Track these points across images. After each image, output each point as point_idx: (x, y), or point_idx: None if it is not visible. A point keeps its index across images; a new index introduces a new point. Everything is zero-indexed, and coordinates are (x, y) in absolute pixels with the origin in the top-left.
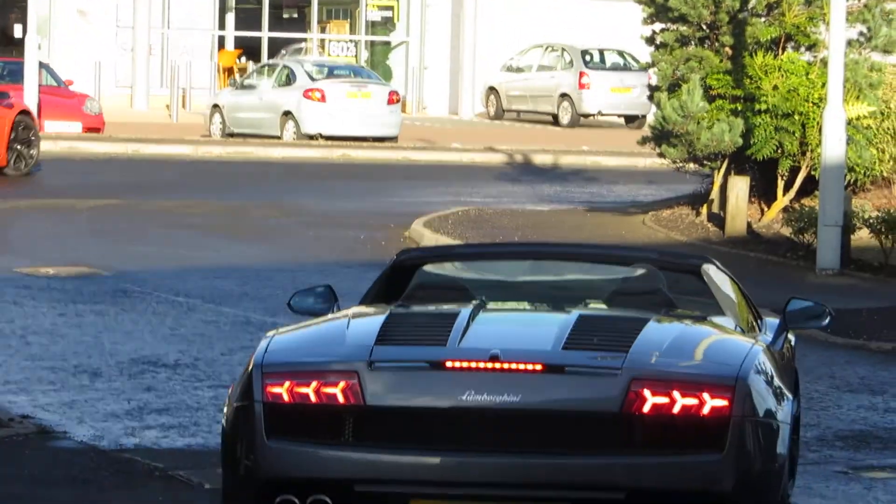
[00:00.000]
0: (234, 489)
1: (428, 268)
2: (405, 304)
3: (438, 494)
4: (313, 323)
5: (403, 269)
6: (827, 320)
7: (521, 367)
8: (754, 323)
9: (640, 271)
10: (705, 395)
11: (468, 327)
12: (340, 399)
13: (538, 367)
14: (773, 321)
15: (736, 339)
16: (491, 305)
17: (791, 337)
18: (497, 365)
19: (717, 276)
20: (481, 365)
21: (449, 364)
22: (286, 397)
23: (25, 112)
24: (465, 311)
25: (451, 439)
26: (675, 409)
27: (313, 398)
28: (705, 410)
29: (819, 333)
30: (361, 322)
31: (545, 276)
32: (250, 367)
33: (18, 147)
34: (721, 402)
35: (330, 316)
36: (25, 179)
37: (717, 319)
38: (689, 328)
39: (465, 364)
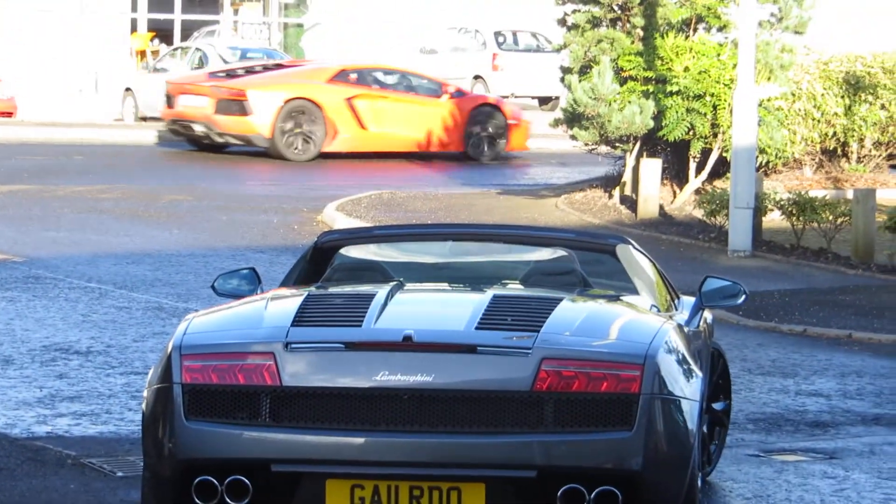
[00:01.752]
0: (154, 472)
1: (346, 250)
2: (324, 286)
3: (354, 474)
4: (232, 305)
5: (325, 251)
6: (742, 299)
7: (434, 347)
8: (671, 302)
9: (557, 252)
10: (614, 373)
11: (384, 308)
12: (257, 380)
13: (450, 347)
14: (689, 300)
15: (646, 318)
16: (408, 286)
17: (708, 315)
18: (410, 345)
19: (634, 257)
20: (395, 346)
21: (363, 345)
22: (204, 379)
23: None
24: (382, 291)
25: (366, 420)
26: (585, 388)
27: (231, 379)
28: (614, 388)
29: (731, 316)
30: (279, 304)
31: (464, 258)
32: (169, 350)
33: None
34: (630, 381)
35: (249, 298)
36: None
37: (630, 299)
38: (601, 307)
39: (378, 345)
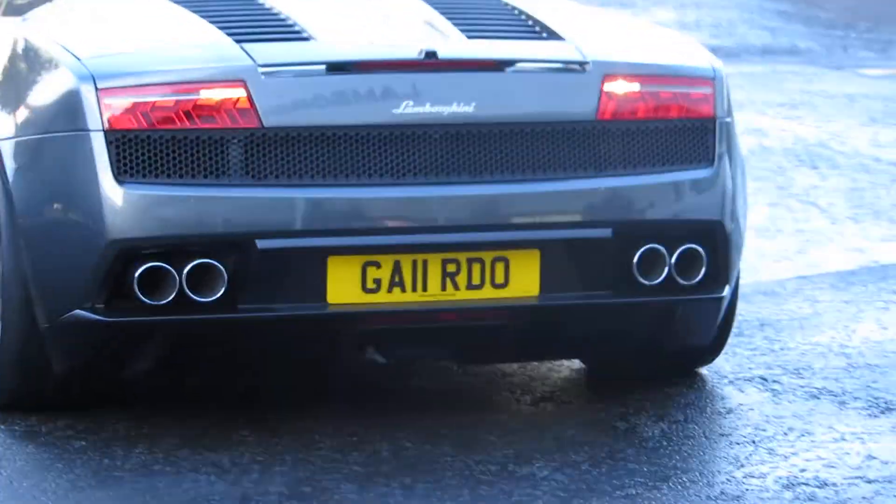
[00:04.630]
0: (65, 258)
1: None
2: None
3: (367, 247)
4: (95, 11)
5: None
6: None
7: (465, 65)
8: None
9: None
10: (685, 92)
11: (304, 15)
12: (224, 120)
13: (485, 64)
14: None
15: (653, 26)
16: None
17: None
18: (434, 64)
19: None
20: (415, 65)
21: (371, 65)
22: (139, 123)
23: None
24: None
25: (383, 170)
26: (655, 114)
27: (182, 122)
28: (686, 113)
29: None
30: (163, 12)
31: None
32: (71, 81)
33: None
34: (703, 101)
35: (134, 13)
36: None
37: None
38: (586, 9)
39: (394, 65)
